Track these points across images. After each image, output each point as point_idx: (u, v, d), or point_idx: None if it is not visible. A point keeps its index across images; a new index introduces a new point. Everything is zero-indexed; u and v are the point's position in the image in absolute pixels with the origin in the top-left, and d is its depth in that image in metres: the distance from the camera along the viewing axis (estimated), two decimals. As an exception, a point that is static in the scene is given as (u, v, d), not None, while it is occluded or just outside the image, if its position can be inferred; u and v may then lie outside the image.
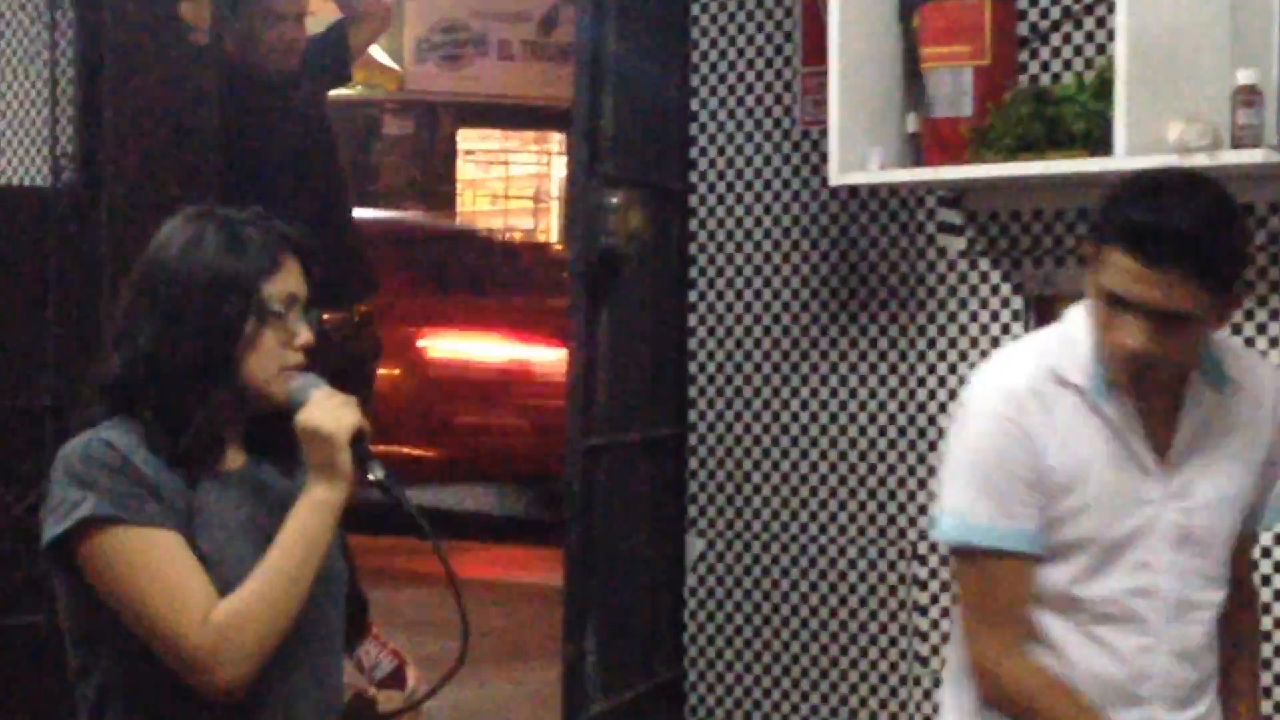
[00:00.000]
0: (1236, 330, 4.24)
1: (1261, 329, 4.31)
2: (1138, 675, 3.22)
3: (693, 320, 5.06)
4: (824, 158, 4.56)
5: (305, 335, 3.04)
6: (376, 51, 21.12)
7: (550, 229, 26.66)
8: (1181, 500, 3.18)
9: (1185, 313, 3.02)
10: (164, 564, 2.91)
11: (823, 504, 4.89)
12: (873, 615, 4.76)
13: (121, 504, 2.90)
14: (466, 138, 26.30)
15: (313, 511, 2.97)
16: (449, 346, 9.87)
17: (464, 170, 26.36)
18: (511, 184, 26.70)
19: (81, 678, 3.04)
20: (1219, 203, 3.11)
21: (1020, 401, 3.19)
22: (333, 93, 7.12)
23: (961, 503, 3.21)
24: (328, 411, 2.95)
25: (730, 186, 5.03)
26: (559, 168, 26.53)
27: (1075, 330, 3.18)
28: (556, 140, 26.44)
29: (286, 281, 3.04)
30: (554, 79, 23.82)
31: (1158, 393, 3.17)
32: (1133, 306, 3.04)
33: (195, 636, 2.88)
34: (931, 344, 4.70)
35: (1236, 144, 4.02)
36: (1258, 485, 3.25)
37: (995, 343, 4.60)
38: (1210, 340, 3.18)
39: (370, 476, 2.99)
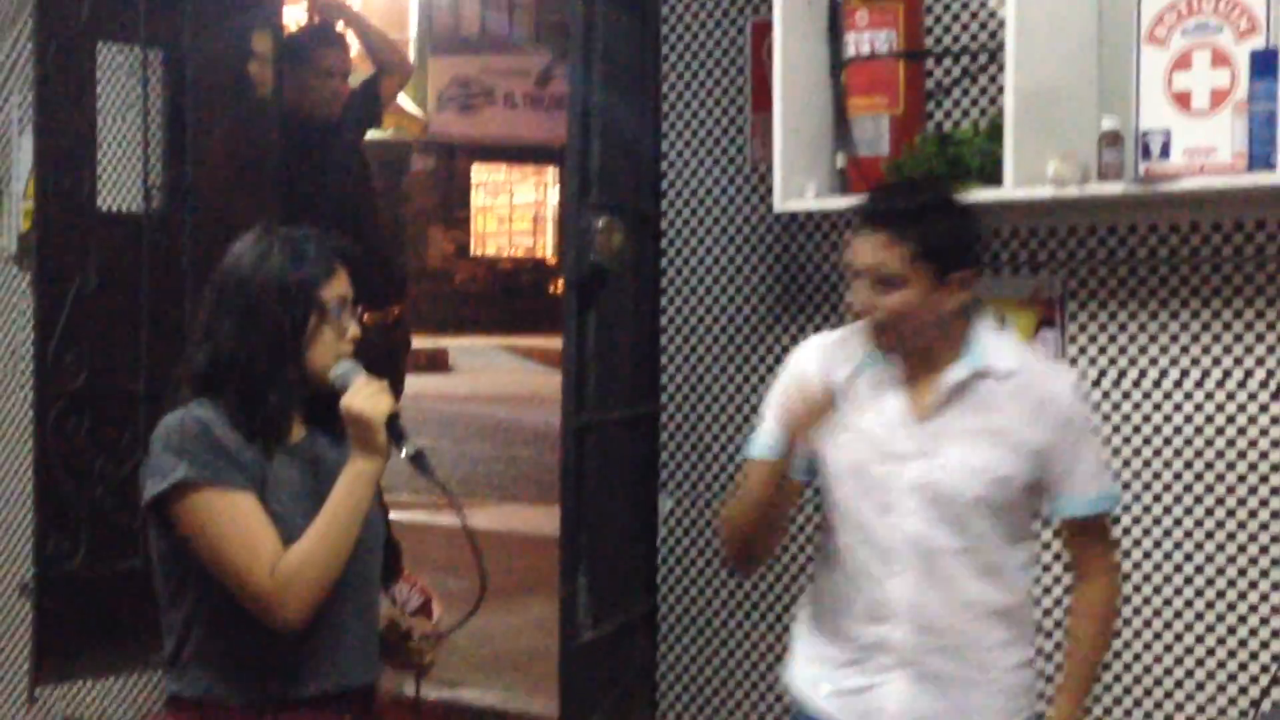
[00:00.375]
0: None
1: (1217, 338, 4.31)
2: (880, 597, 3.25)
3: (664, 321, 5.07)
4: (769, 189, 4.56)
5: (354, 330, 3.10)
6: (405, 102, 21.17)
7: (547, 245, 26.68)
8: (929, 460, 3.21)
9: (894, 274, 3.11)
10: (241, 520, 2.94)
11: (769, 469, 4.89)
12: (803, 550, 4.77)
13: (209, 469, 2.94)
14: (478, 172, 26.34)
15: (355, 480, 3.02)
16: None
17: (477, 198, 26.38)
18: (515, 210, 26.72)
19: (169, 610, 3.07)
20: (936, 195, 3.27)
21: (808, 358, 3.36)
22: (371, 135, 7.11)
23: (757, 431, 3.37)
24: (367, 398, 3.00)
25: (694, 211, 5.03)
26: (553, 196, 26.58)
27: None
28: (551, 173, 26.50)
29: (339, 286, 3.08)
30: (549, 124, 23.91)
31: (921, 368, 3.23)
32: (855, 272, 3.17)
33: (265, 582, 2.92)
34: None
35: (1102, 177, 4.04)
36: (1030, 471, 3.22)
37: (908, 338, 4.60)
38: (981, 333, 3.25)
39: (405, 453, 3.02)
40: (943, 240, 3.15)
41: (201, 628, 3.03)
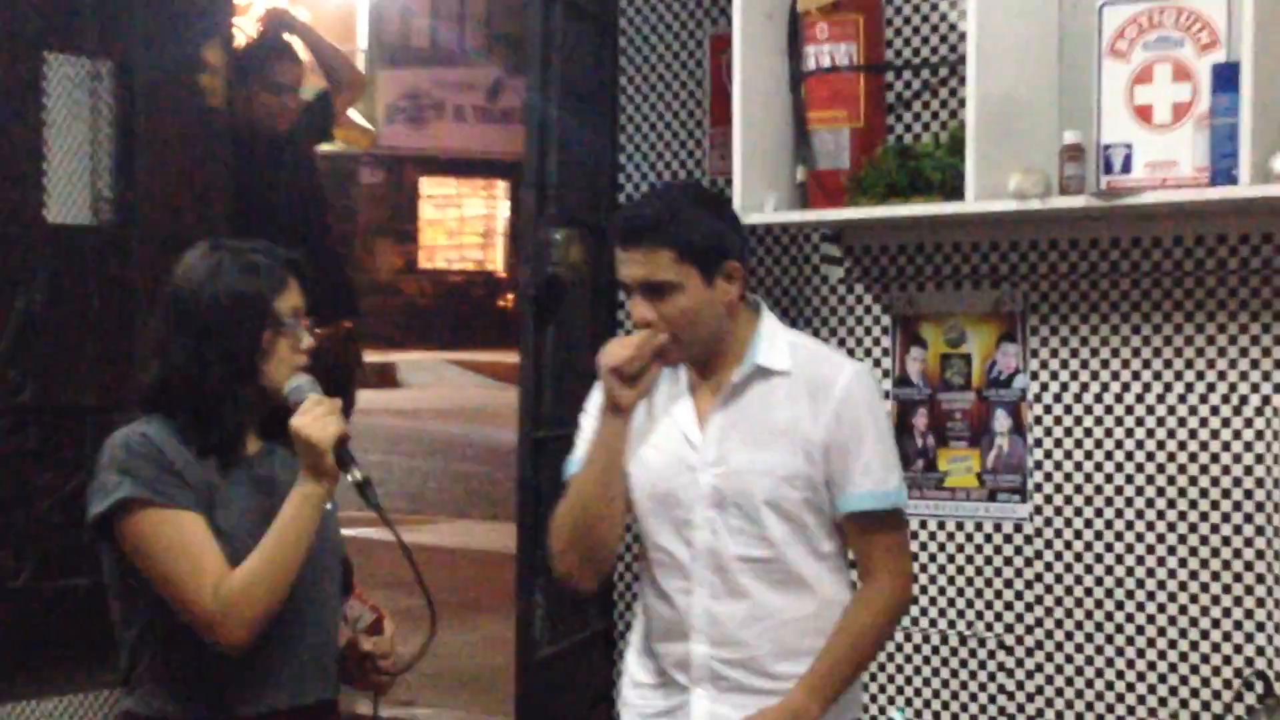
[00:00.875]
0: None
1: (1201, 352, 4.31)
2: (683, 612, 3.21)
3: (620, 334, 5.04)
4: (729, 201, 4.54)
5: (308, 340, 3.08)
6: (354, 114, 21.06)
7: (496, 259, 26.64)
8: (717, 467, 3.17)
9: (664, 281, 3.09)
10: (185, 541, 2.91)
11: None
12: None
13: (153, 488, 2.91)
14: (427, 185, 26.28)
15: (302, 503, 2.99)
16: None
17: (425, 211, 26.33)
18: (464, 223, 26.68)
19: (123, 627, 3.04)
20: (685, 196, 3.23)
21: None
22: (320, 148, 7.07)
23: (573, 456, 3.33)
24: (315, 421, 2.95)
25: (651, 225, 5.00)
26: (503, 209, 26.54)
27: None
28: (501, 187, 26.47)
29: (291, 298, 3.06)
30: (498, 137, 23.89)
31: (704, 373, 3.21)
32: (627, 288, 3.15)
33: (207, 603, 2.89)
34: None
35: (1064, 191, 4.03)
36: (816, 466, 3.16)
37: (869, 353, 4.59)
38: (759, 332, 3.21)
39: (351, 478, 2.98)
40: (701, 237, 3.11)
41: (153, 646, 3.00)
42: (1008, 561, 4.42)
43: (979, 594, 4.46)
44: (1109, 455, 4.28)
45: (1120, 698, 4.28)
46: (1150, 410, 4.22)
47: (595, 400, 3.31)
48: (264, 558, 2.92)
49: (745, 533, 3.17)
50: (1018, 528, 4.41)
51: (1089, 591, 4.31)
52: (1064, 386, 4.34)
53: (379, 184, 24.86)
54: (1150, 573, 4.24)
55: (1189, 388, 4.18)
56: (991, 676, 4.45)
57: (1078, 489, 4.32)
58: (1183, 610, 4.20)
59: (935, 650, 4.53)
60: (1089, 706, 4.32)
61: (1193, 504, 4.18)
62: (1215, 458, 4.15)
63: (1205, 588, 4.17)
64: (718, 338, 3.18)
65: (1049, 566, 4.37)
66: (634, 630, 3.42)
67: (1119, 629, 4.28)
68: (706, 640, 3.21)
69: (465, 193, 26.80)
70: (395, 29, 24.29)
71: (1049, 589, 4.37)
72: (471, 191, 26.81)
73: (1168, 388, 4.20)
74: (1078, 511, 4.32)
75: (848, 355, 3.31)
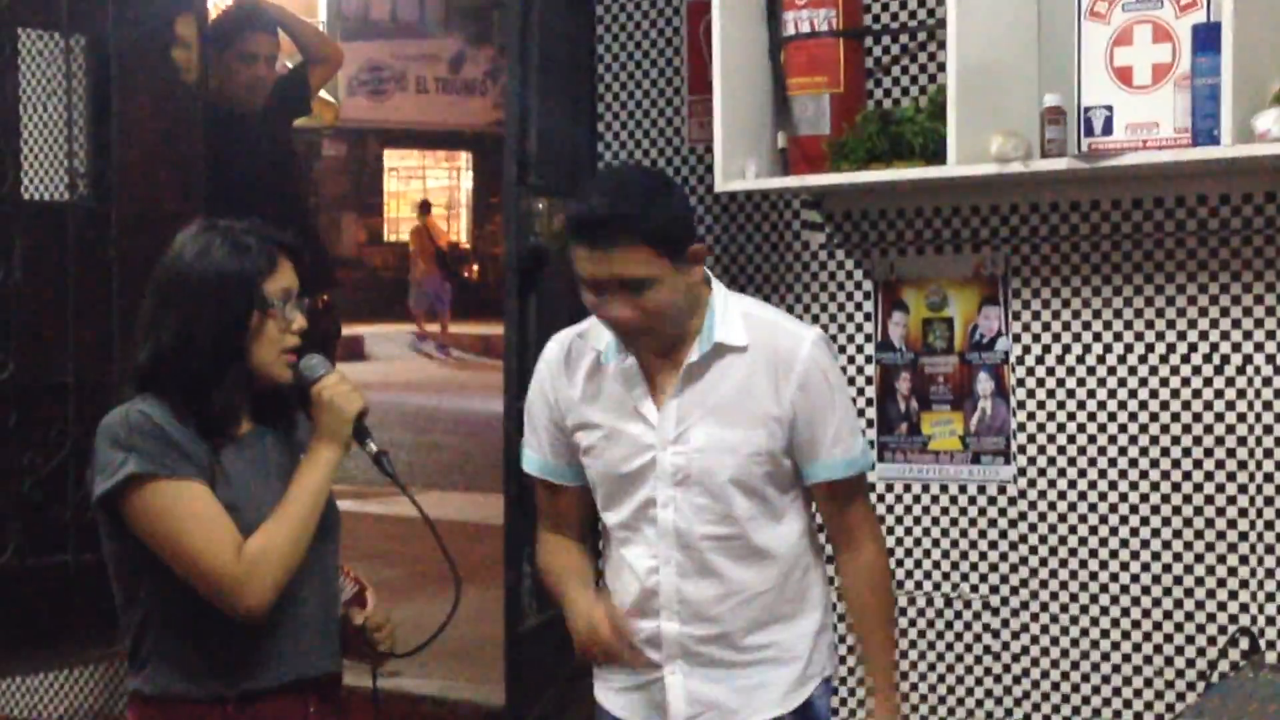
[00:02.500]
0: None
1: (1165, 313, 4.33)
2: (650, 591, 3.22)
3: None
4: (709, 169, 4.55)
5: (300, 321, 3.07)
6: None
7: (461, 231, 26.59)
8: (678, 445, 3.16)
9: (644, 277, 3.02)
10: (198, 510, 2.91)
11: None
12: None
13: (158, 462, 2.90)
14: (390, 157, 26.21)
15: (318, 468, 3.02)
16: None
17: (389, 184, 26.26)
18: (428, 195, 26.60)
19: (126, 607, 3.03)
20: (643, 184, 3.11)
21: (549, 364, 3.30)
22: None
23: (524, 442, 3.39)
24: (341, 391, 2.99)
25: (631, 194, 5.00)
26: (467, 181, 26.49)
27: None
28: (464, 158, 26.41)
29: (282, 279, 3.05)
30: (461, 108, 23.82)
31: (661, 352, 3.17)
32: (597, 284, 3.05)
33: (230, 567, 2.89)
34: (798, 320, 4.69)
35: (1045, 154, 4.05)
36: (784, 437, 3.16)
37: (850, 318, 4.60)
38: (712, 307, 3.17)
39: (367, 451, 3.06)
40: (670, 226, 3.05)
41: (158, 624, 2.99)
42: (992, 523, 4.44)
43: (964, 556, 4.48)
44: (1092, 417, 4.30)
45: (1105, 656, 4.31)
46: (1132, 371, 4.25)
47: (533, 390, 3.32)
48: (283, 519, 2.93)
49: (709, 510, 3.17)
50: (1001, 490, 4.43)
51: (1073, 552, 4.34)
52: (1046, 349, 4.35)
53: (342, 157, 24.78)
54: (1134, 532, 4.26)
55: (1171, 349, 4.20)
56: (977, 638, 4.47)
57: (1061, 450, 4.34)
58: (1167, 569, 4.23)
59: (921, 612, 4.55)
60: (1074, 666, 4.34)
61: (1175, 464, 4.20)
62: (1198, 418, 4.17)
63: (1189, 546, 4.20)
64: (683, 320, 3.15)
65: (1033, 528, 4.39)
66: None
67: (1103, 589, 4.30)
68: (677, 618, 3.21)
69: (429, 165, 26.73)
70: (356, 1, 24.19)
71: (1033, 550, 4.39)
72: (435, 163, 26.74)
73: (1149, 349, 4.22)
74: (1061, 473, 4.35)
75: (824, 322, 3.28)
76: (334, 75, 7.33)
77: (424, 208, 23.31)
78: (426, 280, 21.29)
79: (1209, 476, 4.16)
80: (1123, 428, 4.26)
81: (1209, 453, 4.16)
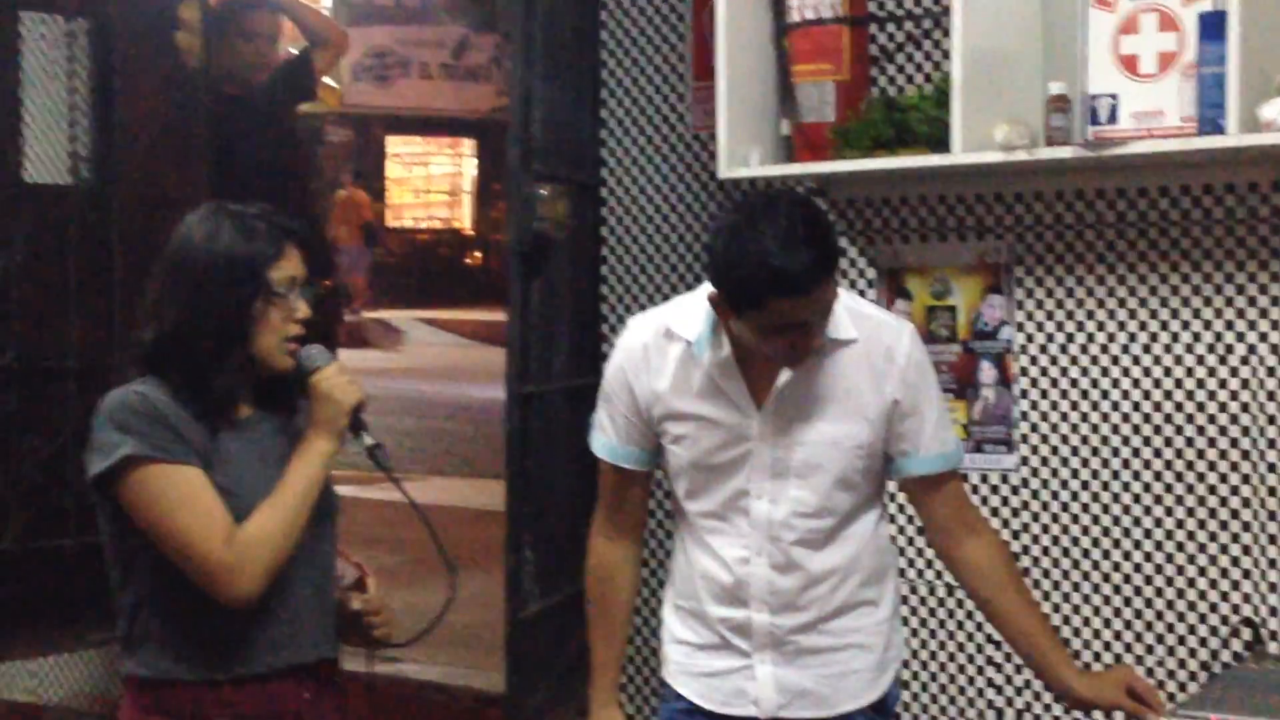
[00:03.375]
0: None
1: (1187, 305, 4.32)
2: (740, 581, 3.21)
3: (605, 290, 5.04)
4: (713, 156, 4.53)
5: (303, 310, 3.06)
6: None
7: (464, 218, 26.58)
8: (779, 438, 3.15)
9: (830, 304, 3.03)
10: (192, 495, 2.90)
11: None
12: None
13: (154, 445, 2.89)
14: (393, 143, 26.17)
15: (313, 458, 3.01)
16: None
17: (392, 170, 26.24)
18: (431, 181, 26.60)
19: (121, 590, 3.03)
20: (808, 213, 3.02)
21: (630, 353, 3.26)
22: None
23: (596, 424, 3.35)
24: (339, 383, 3.00)
25: (634, 181, 5.00)
26: (470, 167, 26.46)
27: (698, 299, 3.18)
28: (467, 145, 26.37)
29: (289, 266, 3.04)
30: (464, 95, 23.79)
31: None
32: (803, 326, 3.01)
33: (221, 553, 2.88)
34: (890, 312, 4.66)
35: (1050, 142, 4.03)
36: (883, 430, 3.17)
37: (853, 305, 4.59)
38: None
39: (363, 443, 3.06)
40: (837, 249, 3.07)
41: (152, 607, 2.98)
42: (994, 512, 4.43)
43: (966, 545, 4.47)
44: (1095, 406, 4.29)
45: (1107, 646, 4.30)
46: (1136, 360, 4.23)
47: (612, 376, 3.29)
48: (276, 507, 2.93)
49: (805, 503, 3.17)
50: (1004, 478, 4.42)
51: (1075, 541, 4.33)
52: (1050, 338, 4.34)
53: (345, 143, 24.74)
54: (1136, 522, 4.25)
55: (1174, 338, 4.18)
56: (979, 626, 4.47)
57: (1064, 439, 4.33)
58: (1169, 559, 4.22)
59: (923, 601, 4.54)
60: (1076, 655, 4.33)
61: (1178, 453, 4.19)
62: (1201, 407, 4.16)
63: (1191, 536, 4.19)
64: None
65: (1035, 517, 4.38)
66: (670, 586, 3.40)
67: (1105, 578, 4.30)
68: (767, 609, 3.21)
69: (431, 151, 26.70)
70: (360, -13, 24.15)
71: (1035, 539, 4.38)
72: (438, 150, 26.72)
73: (1153, 338, 4.21)
74: (1064, 462, 4.34)
75: (889, 311, 3.31)
76: (338, 59, 7.31)
77: (356, 176, 23.24)
78: (347, 248, 21.16)
79: (1212, 466, 4.15)
80: (1126, 417, 4.25)
81: (1212, 443, 4.15)
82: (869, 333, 3.17)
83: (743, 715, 3.27)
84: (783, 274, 2.92)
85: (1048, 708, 4.38)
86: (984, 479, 4.44)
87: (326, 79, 21.03)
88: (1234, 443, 4.12)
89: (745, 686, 3.25)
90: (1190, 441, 4.18)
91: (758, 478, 3.17)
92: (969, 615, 4.47)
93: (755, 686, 3.24)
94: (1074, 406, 4.32)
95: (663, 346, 3.22)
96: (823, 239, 2.98)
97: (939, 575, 4.51)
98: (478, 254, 25.25)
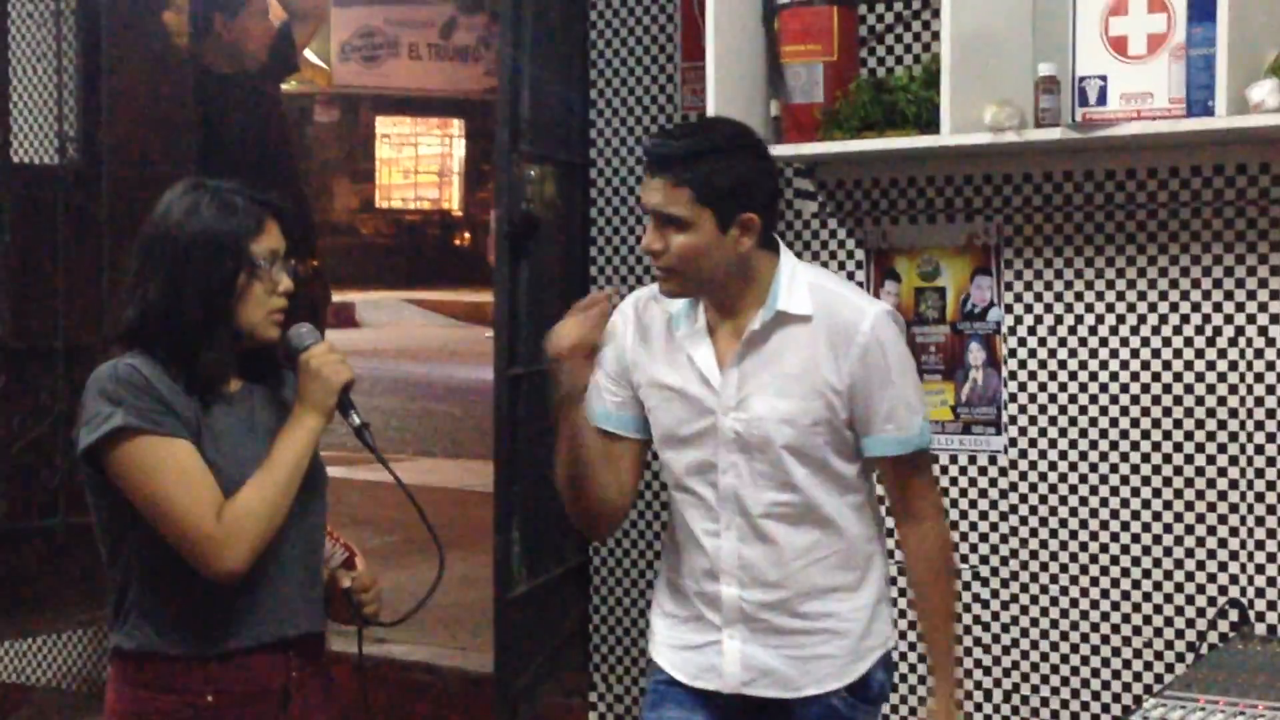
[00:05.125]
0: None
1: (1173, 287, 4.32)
2: (712, 555, 3.23)
3: (593, 270, 5.04)
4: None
5: (286, 283, 3.07)
6: (309, 53, 20.94)
7: (453, 198, 26.53)
8: (738, 412, 3.17)
9: (678, 216, 3.07)
10: (181, 467, 2.90)
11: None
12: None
13: (145, 417, 2.89)
14: (383, 124, 26.11)
15: (300, 435, 3.01)
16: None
17: (381, 150, 26.18)
18: (420, 162, 26.54)
19: (111, 564, 3.03)
20: (721, 137, 3.16)
21: (624, 319, 3.31)
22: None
23: (591, 390, 3.29)
24: (329, 362, 3.01)
25: (623, 162, 4.99)
26: (459, 148, 26.40)
27: None
28: (457, 125, 26.31)
29: (269, 239, 3.04)
30: (453, 75, 23.72)
31: (723, 313, 3.19)
32: (645, 213, 3.14)
33: (208, 527, 2.89)
34: (867, 294, 4.66)
35: (1039, 124, 4.04)
36: (838, 411, 3.16)
37: (842, 287, 4.59)
38: (779, 275, 3.18)
39: (350, 423, 3.07)
40: (724, 184, 3.07)
41: (140, 581, 2.99)
42: (983, 494, 4.44)
43: (954, 526, 4.48)
44: (1083, 387, 4.30)
45: (1095, 627, 4.31)
46: (1124, 342, 4.24)
47: (609, 354, 3.29)
48: (262, 486, 2.93)
49: (769, 477, 3.18)
50: (992, 460, 4.43)
51: (1064, 523, 4.33)
52: (1038, 319, 4.35)
53: (334, 123, 24.69)
54: (1125, 503, 4.26)
55: (1163, 320, 4.19)
56: (967, 607, 4.48)
57: (1052, 421, 4.34)
58: (1157, 540, 4.23)
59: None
60: (1064, 636, 4.35)
61: (1167, 435, 4.20)
62: (1189, 389, 4.17)
63: (1179, 518, 4.20)
64: (724, 283, 3.16)
65: (1024, 498, 4.39)
66: (662, 560, 3.43)
67: (1094, 559, 4.30)
68: (737, 583, 3.22)
69: (421, 131, 26.65)
70: (349, -33, 24.09)
71: (1024, 520, 4.39)
72: (427, 130, 26.66)
73: (1142, 320, 4.22)
74: (1052, 443, 4.34)
75: (868, 294, 3.28)
76: (317, 30, 7.31)
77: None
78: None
79: (1200, 448, 4.16)
80: (1114, 399, 4.25)
81: (1200, 424, 4.16)
82: (829, 309, 3.17)
83: (710, 689, 3.28)
84: (645, 143, 3.17)
85: (1035, 689, 4.39)
86: (972, 460, 4.44)
87: (315, 59, 21.01)
88: (1221, 424, 4.13)
89: (715, 661, 3.27)
90: (1178, 423, 4.18)
91: (723, 451, 3.19)
92: (956, 596, 4.48)
93: (720, 662, 3.25)
94: (1062, 388, 4.32)
95: (651, 316, 3.28)
96: (696, 148, 3.08)
97: (927, 556, 4.51)
98: (467, 235, 25.21)
